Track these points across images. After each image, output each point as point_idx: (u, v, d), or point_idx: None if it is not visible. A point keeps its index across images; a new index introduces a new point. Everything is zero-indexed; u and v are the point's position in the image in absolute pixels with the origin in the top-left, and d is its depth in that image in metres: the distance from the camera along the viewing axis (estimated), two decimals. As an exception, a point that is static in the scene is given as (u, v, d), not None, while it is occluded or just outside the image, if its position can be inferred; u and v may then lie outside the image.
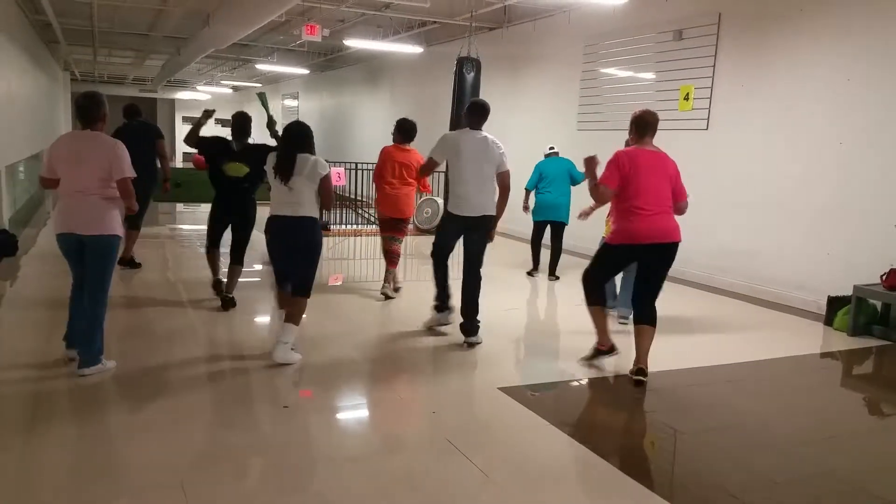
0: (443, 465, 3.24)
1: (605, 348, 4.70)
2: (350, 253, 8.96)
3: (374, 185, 6.62)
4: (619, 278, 5.70)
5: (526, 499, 2.95)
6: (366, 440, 3.57)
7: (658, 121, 4.58)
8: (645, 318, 4.51)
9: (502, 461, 3.30)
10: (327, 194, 4.60)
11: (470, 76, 9.87)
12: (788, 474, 3.34)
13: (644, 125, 4.52)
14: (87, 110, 4.09)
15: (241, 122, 5.80)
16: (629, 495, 3.05)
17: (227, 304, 5.77)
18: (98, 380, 4.04)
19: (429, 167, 5.31)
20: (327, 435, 3.59)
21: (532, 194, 7.73)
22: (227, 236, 5.85)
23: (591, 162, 4.44)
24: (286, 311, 4.57)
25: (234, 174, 5.61)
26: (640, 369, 4.44)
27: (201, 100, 31.06)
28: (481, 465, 3.20)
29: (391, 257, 6.55)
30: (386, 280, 6.51)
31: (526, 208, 7.77)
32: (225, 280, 5.86)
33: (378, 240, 7.01)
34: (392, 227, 6.56)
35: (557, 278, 7.62)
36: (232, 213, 5.78)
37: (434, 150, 5.21)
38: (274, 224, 4.53)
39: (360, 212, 11.80)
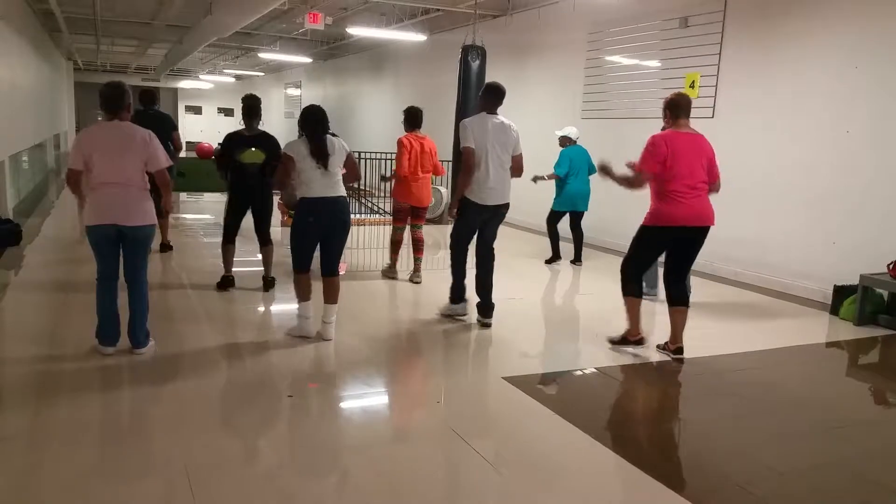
0: (448, 454, 3.24)
1: (633, 339, 4.79)
2: (354, 242, 8.95)
3: (394, 175, 6.68)
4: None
5: (531, 488, 2.94)
6: (370, 430, 3.56)
7: (690, 102, 4.65)
8: (678, 299, 4.71)
9: (507, 451, 3.30)
10: (355, 168, 4.84)
11: (475, 64, 9.82)
12: (794, 464, 3.33)
13: (676, 107, 4.57)
14: (114, 100, 4.11)
15: (252, 105, 5.79)
16: (634, 485, 3.05)
17: (269, 285, 5.99)
18: (106, 363, 4.05)
19: (471, 158, 4.97)
20: (332, 424, 3.59)
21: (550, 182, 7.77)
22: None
23: (605, 171, 4.59)
24: (327, 293, 4.77)
25: (251, 161, 5.64)
26: (678, 348, 4.71)
27: (204, 88, 31.05)
28: (486, 454, 3.20)
29: (418, 245, 6.72)
30: (416, 269, 6.70)
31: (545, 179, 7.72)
32: (232, 275, 6.00)
33: (384, 229, 7.05)
34: (415, 216, 6.73)
35: (581, 263, 7.82)
36: (253, 201, 5.82)
37: (466, 140, 4.97)
38: (314, 205, 4.59)
39: (363, 201, 11.79)
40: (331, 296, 4.79)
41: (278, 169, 4.76)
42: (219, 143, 6.02)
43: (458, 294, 5.38)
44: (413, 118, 6.59)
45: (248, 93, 6.07)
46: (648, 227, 4.61)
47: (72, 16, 14.11)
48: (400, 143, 6.54)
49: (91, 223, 4.07)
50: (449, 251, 5.38)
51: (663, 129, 4.67)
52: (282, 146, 4.89)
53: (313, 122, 4.62)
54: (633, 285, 4.74)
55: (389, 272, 6.77)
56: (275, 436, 3.39)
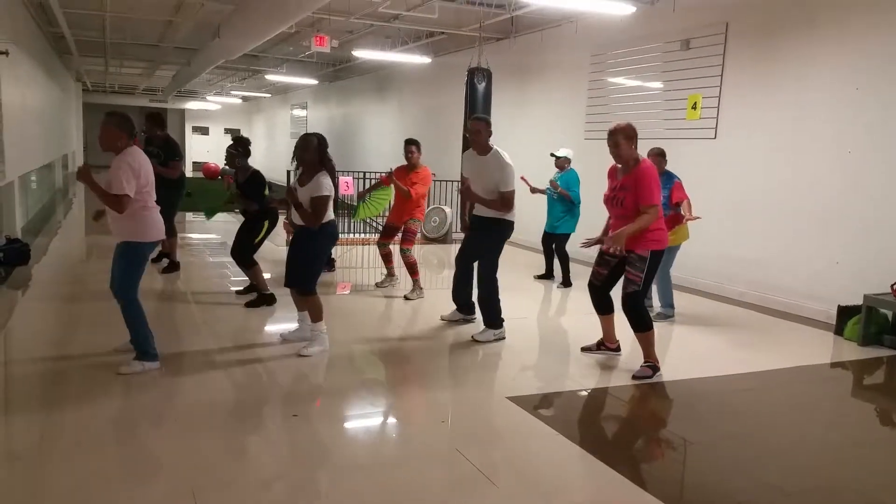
0: (452, 475, 3.24)
1: (658, 365, 4.78)
2: (358, 262, 9.00)
3: (413, 197, 6.84)
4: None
5: (535, 508, 2.95)
6: (374, 449, 3.58)
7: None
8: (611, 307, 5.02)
9: (512, 471, 3.31)
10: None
11: (481, 86, 9.93)
12: (799, 485, 3.32)
13: (636, 136, 4.77)
14: (134, 126, 4.39)
15: (246, 144, 6.39)
16: (638, 505, 3.05)
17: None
18: (112, 380, 4.08)
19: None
20: (336, 443, 3.60)
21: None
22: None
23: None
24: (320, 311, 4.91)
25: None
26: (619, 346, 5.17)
27: (211, 110, 31.34)
28: (491, 475, 3.21)
29: (415, 268, 6.96)
30: (419, 287, 6.91)
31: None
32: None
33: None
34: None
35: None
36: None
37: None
38: (336, 227, 4.94)
39: (368, 220, 11.83)
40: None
41: (320, 204, 4.77)
42: (227, 168, 6.39)
43: (500, 317, 5.49)
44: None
45: (240, 135, 6.70)
46: (659, 251, 4.66)
47: (82, 39, 14.32)
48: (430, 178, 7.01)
49: (155, 239, 4.40)
50: (487, 283, 5.44)
51: (636, 158, 4.66)
52: (286, 167, 5.07)
53: (326, 151, 4.85)
54: (648, 316, 4.77)
55: (419, 293, 6.83)
56: (280, 455, 3.40)
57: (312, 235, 4.82)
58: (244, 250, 6.21)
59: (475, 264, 5.56)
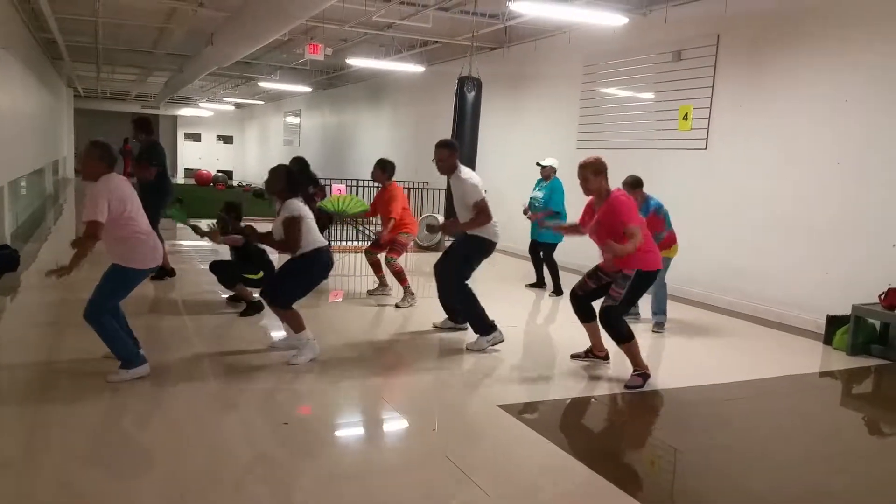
0: (443, 483, 3.24)
1: (648, 373, 4.78)
2: (350, 270, 8.99)
3: (395, 219, 6.85)
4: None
5: (525, 517, 2.94)
6: (365, 457, 3.57)
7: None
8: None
9: (502, 479, 3.30)
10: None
11: (471, 95, 9.96)
12: (787, 494, 3.34)
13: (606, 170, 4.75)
14: (116, 158, 4.38)
15: (238, 209, 6.44)
16: (629, 514, 3.05)
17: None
18: (100, 388, 4.05)
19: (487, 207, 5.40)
20: (326, 452, 3.59)
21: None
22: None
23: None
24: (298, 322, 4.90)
25: None
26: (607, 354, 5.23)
27: (204, 116, 31.28)
28: (481, 483, 3.20)
29: (402, 275, 6.98)
30: (410, 293, 6.93)
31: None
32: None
33: (380, 256, 7.17)
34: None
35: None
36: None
37: (481, 193, 5.37)
38: (328, 253, 5.04)
39: (360, 229, 11.84)
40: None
41: (289, 225, 4.83)
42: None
43: (488, 323, 5.49)
44: (393, 169, 7.05)
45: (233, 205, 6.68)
46: (650, 272, 4.70)
47: (74, 44, 14.28)
48: (399, 189, 7.04)
49: (145, 266, 4.33)
50: (453, 288, 5.51)
51: (607, 190, 4.71)
52: (282, 177, 5.00)
53: (308, 171, 4.84)
54: (627, 328, 4.77)
55: (409, 299, 6.85)
56: (271, 464, 3.39)
57: (306, 259, 4.86)
58: (230, 275, 6.25)
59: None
